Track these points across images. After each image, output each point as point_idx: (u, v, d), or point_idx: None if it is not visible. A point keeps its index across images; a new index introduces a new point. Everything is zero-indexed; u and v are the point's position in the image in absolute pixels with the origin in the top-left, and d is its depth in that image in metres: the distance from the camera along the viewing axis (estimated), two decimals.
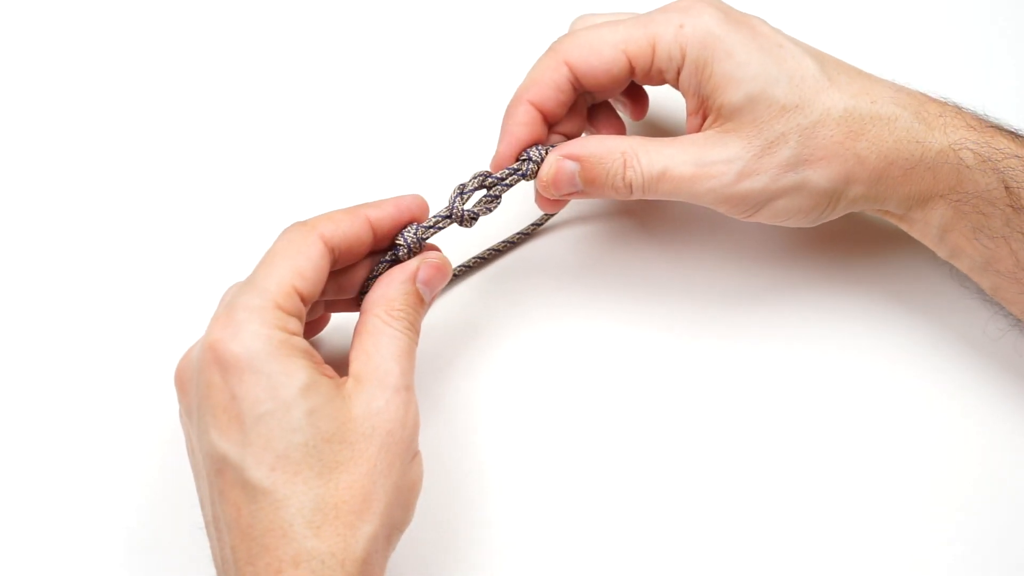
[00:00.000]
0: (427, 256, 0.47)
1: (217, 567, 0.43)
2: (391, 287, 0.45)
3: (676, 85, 0.49)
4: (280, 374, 0.40)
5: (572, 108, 0.51)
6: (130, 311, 0.56)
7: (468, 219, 0.49)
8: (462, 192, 0.49)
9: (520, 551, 0.50)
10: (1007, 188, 0.47)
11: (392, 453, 0.42)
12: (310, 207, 0.48)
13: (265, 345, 0.41)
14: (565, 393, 0.53)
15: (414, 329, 0.45)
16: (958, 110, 0.49)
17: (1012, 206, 0.47)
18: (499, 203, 0.50)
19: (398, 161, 0.59)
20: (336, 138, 0.60)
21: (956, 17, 0.62)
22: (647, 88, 0.54)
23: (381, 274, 0.47)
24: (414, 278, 0.46)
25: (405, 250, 0.47)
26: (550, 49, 0.50)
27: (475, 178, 0.49)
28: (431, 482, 0.48)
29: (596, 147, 0.49)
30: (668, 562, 0.50)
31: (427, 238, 0.48)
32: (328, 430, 0.41)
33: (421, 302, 0.46)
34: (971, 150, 0.47)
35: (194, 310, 0.51)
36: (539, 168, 0.49)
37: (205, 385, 0.41)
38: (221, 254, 0.57)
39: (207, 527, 0.43)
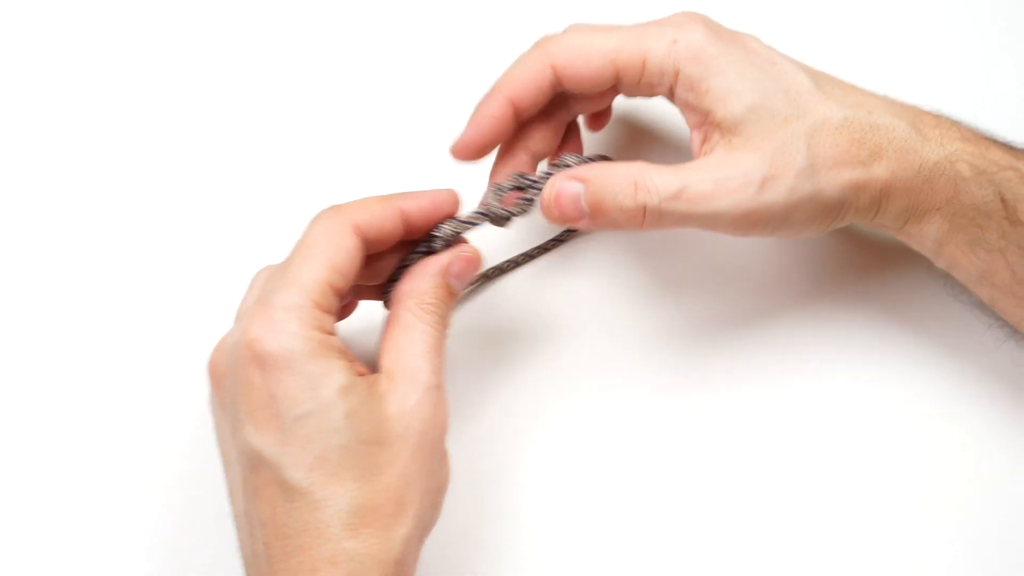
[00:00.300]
0: (461, 249, 0.47)
1: (245, 558, 0.43)
2: (423, 280, 0.45)
3: (671, 99, 0.49)
4: (319, 375, 0.40)
5: (550, 116, 0.50)
6: (151, 302, 0.56)
7: (503, 219, 0.48)
8: (499, 190, 0.48)
9: (532, 552, 0.50)
10: (1003, 200, 0.47)
11: (425, 454, 0.42)
12: (323, 199, 0.47)
13: (304, 345, 0.41)
14: (577, 403, 0.53)
15: (444, 323, 0.45)
16: (952, 122, 0.49)
17: (1008, 219, 0.47)
18: (533, 207, 0.48)
19: (407, 156, 0.59)
20: (344, 131, 0.60)
21: (951, 27, 0.62)
22: (639, 100, 0.54)
23: (412, 264, 0.46)
24: (446, 272, 0.45)
25: (442, 243, 0.47)
26: (537, 47, 0.49)
27: (512, 177, 0.48)
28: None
29: (602, 169, 0.47)
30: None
31: (463, 232, 0.47)
32: (366, 432, 0.41)
33: (451, 296, 0.46)
34: (967, 162, 0.47)
35: (216, 300, 0.51)
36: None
37: (243, 382, 0.41)
38: (240, 244, 0.57)
39: (236, 518, 0.43)
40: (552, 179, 0.47)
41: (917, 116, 0.48)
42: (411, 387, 0.42)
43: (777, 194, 0.46)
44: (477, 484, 0.51)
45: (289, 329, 0.41)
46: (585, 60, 0.48)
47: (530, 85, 0.48)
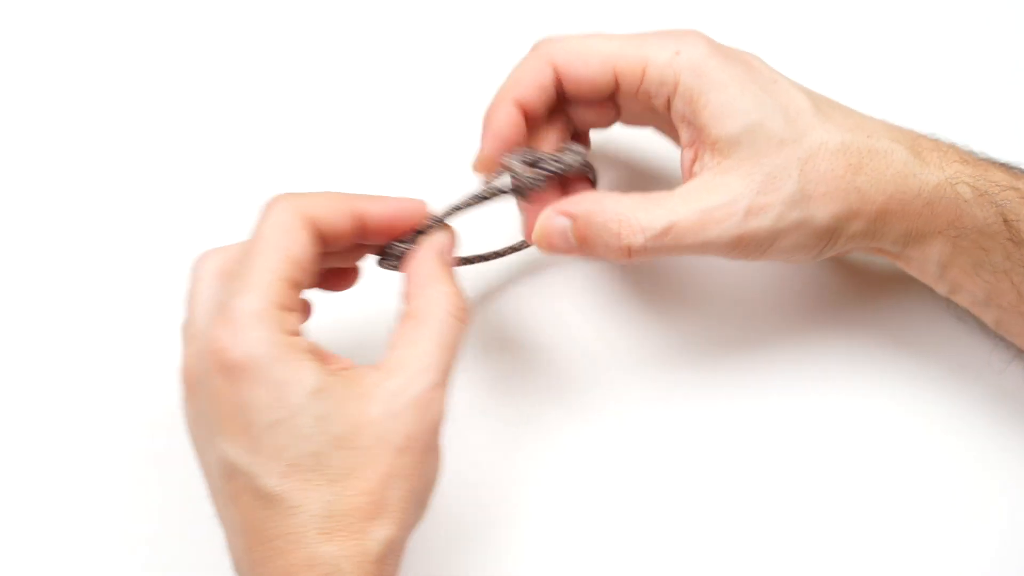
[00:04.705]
0: (433, 235, 0.46)
1: (233, 560, 0.43)
2: (424, 265, 0.45)
3: (666, 113, 0.48)
4: (287, 382, 0.40)
5: (552, 124, 0.50)
6: (151, 299, 0.55)
7: (523, 189, 0.47)
8: (512, 166, 0.47)
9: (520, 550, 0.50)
10: (1006, 221, 0.47)
11: (412, 456, 0.41)
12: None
13: (269, 351, 0.40)
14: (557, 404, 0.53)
15: (467, 315, 0.44)
16: (950, 145, 0.48)
17: (1012, 239, 0.47)
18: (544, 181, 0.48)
19: (386, 152, 0.59)
20: (337, 133, 0.59)
21: (948, 49, 0.62)
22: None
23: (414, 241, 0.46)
24: (439, 253, 0.45)
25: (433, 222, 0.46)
26: (536, 49, 0.48)
27: (523, 152, 0.48)
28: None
29: (590, 204, 0.47)
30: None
31: (461, 208, 0.46)
32: (340, 434, 0.40)
33: (453, 275, 0.45)
34: (967, 184, 0.47)
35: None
36: (569, 166, 0.48)
37: (212, 392, 0.40)
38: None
39: (220, 521, 0.43)
40: (543, 212, 0.47)
41: (915, 140, 0.48)
42: (407, 384, 0.41)
43: (764, 221, 0.46)
44: (469, 491, 0.51)
45: (253, 336, 0.40)
46: (584, 61, 0.47)
47: (534, 85, 0.48)
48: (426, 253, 0.45)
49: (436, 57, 0.61)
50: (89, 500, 0.52)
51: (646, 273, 0.56)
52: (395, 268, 0.46)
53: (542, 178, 0.47)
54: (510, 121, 0.48)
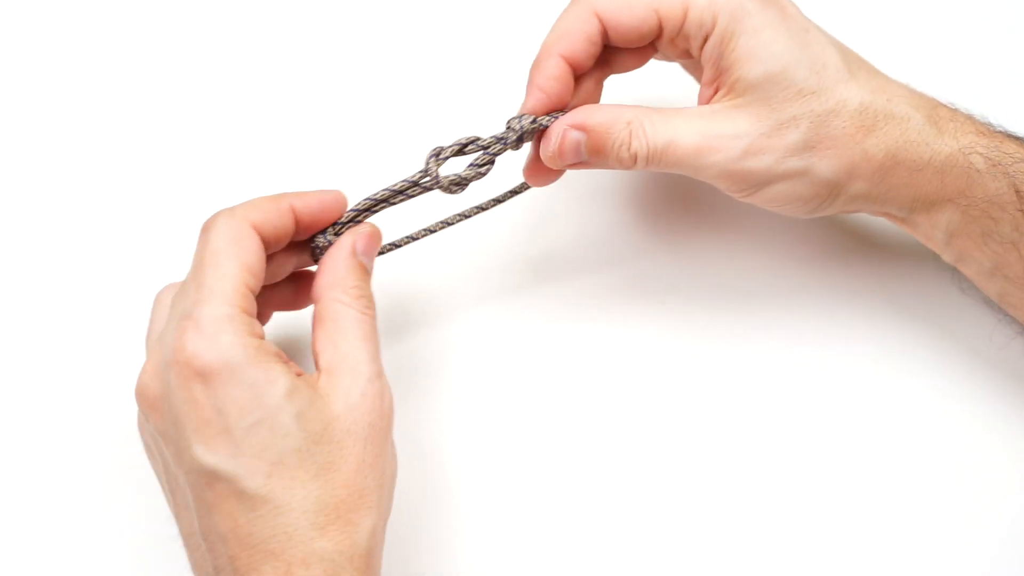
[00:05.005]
0: (357, 229, 0.46)
1: None
2: (339, 267, 0.45)
3: (698, 55, 0.48)
4: (263, 382, 0.40)
5: (593, 70, 0.50)
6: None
7: (451, 185, 0.47)
8: (438, 156, 0.47)
9: (490, 541, 0.50)
10: (1018, 192, 0.47)
11: (375, 444, 0.42)
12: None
13: (243, 353, 0.41)
14: (535, 382, 0.53)
15: (372, 306, 0.45)
16: (967, 116, 0.49)
17: (1022, 210, 0.47)
18: (491, 167, 0.48)
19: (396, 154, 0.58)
20: (317, 132, 0.59)
21: (966, 22, 0.62)
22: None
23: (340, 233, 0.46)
24: (355, 252, 0.45)
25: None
26: (577, 1, 0.48)
27: (455, 144, 0.47)
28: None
29: (603, 116, 0.47)
30: (653, 565, 0.49)
31: (373, 211, 0.47)
32: (316, 431, 0.41)
33: (367, 274, 0.46)
34: (981, 154, 0.47)
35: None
36: (520, 140, 0.48)
37: (185, 401, 0.41)
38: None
39: (188, 538, 0.43)
40: (556, 125, 0.47)
41: (934, 107, 0.48)
42: (353, 380, 0.42)
43: (760, 162, 0.46)
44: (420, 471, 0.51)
45: (225, 340, 0.40)
46: (630, 9, 0.47)
47: (581, 38, 0.47)
48: (335, 251, 0.46)
49: (435, 57, 0.61)
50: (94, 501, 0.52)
51: (653, 225, 0.56)
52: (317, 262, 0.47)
53: (481, 175, 0.48)
54: (558, 76, 0.48)
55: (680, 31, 0.47)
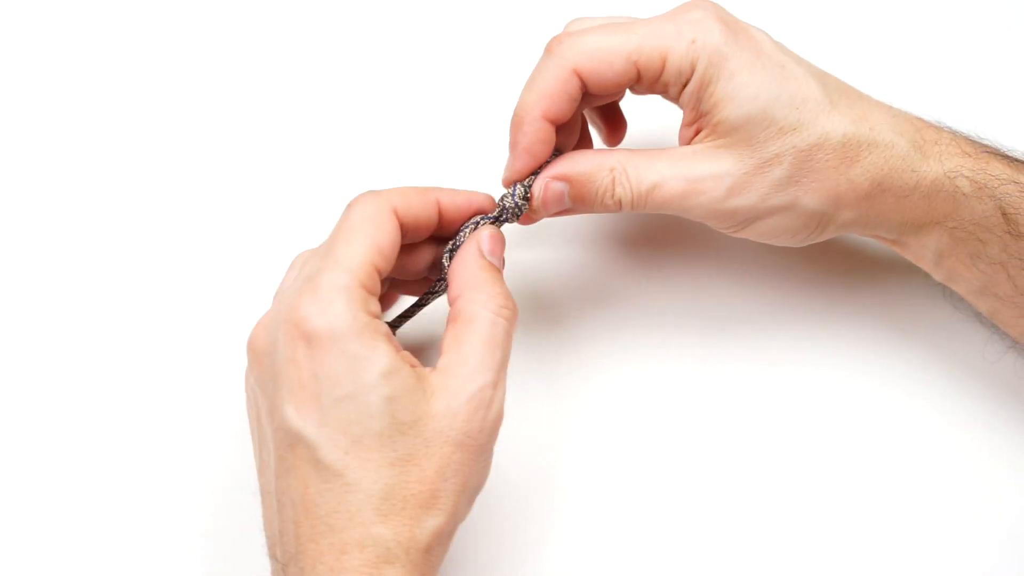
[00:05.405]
0: (477, 234, 0.47)
1: (271, 536, 0.43)
2: (468, 266, 0.45)
3: (676, 99, 0.48)
4: (363, 357, 0.41)
5: (572, 121, 0.50)
6: (186, 294, 0.56)
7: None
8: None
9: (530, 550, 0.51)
10: (1004, 215, 0.47)
11: (467, 452, 0.42)
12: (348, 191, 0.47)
13: (351, 325, 0.41)
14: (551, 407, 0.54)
15: (509, 308, 0.44)
16: (953, 136, 0.49)
17: (1010, 232, 0.47)
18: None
19: (416, 156, 0.59)
20: (358, 128, 0.60)
21: (956, 32, 0.62)
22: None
23: (458, 248, 0.47)
24: (482, 253, 0.46)
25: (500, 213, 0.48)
26: (554, 55, 0.47)
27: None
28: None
29: (585, 165, 0.48)
30: None
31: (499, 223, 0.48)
32: (405, 420, 0.41)
33: (499, 273, 0.46)
34: (967, 177, 0.47)
35: (251, 290, 0.53)
36: (518, 209, 0.48)
37: (287, 360, 0.41)
38: (261, 240, 0.58)
39: (265, 496, 0.44)
40: (539, 179, 0.48)
41: (918, 130, 0.48)
42: (463, 384, 0.42)
43: (745, 200, 0.47)
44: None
45: (337, 308, 0.41)
46: (609, 64, 0.47)
47: (562, 98, 0.47)
48: (469, 253, 0.46)
49: (440, 56, 0.61)
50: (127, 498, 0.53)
51: (647, 250, 0.56)
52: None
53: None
54: (543, 138, 0.48)
55: (659, 79, 0.47)
